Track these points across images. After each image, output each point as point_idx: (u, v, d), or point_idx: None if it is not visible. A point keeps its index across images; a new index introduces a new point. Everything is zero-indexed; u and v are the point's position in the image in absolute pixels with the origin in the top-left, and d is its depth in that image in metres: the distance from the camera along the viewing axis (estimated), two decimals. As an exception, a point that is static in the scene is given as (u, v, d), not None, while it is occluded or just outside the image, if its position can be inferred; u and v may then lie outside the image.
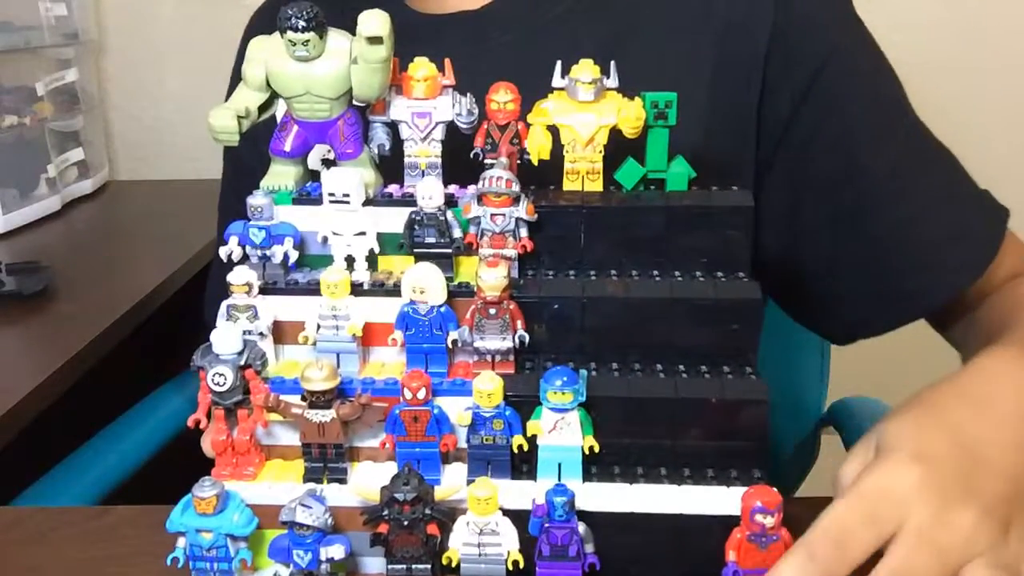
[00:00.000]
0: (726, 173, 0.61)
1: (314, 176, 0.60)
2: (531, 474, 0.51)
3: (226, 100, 0.57)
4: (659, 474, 0.51)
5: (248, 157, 0.72)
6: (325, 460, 0.52)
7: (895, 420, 0.53)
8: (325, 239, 0.56)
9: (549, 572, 0.50)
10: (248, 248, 0.56)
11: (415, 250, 0.55)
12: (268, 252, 0.55)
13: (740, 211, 0.55)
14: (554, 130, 0.57)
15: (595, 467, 0.51)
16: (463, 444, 0.52)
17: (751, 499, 0.48)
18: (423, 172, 0.59)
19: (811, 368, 1.11)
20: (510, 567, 0.50)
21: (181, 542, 0.51)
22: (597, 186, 0.58)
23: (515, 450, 0.51)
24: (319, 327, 0.54)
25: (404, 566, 0.50)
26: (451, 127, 0.58)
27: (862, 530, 0.47)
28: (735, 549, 0.48)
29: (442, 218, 0.55)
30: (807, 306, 0.83)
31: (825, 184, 0.75)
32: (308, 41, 0.53)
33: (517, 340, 0.53)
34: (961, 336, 0.78)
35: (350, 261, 0.56)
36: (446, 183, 0.58)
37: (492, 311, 0.52)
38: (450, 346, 0.53)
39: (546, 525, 0.49)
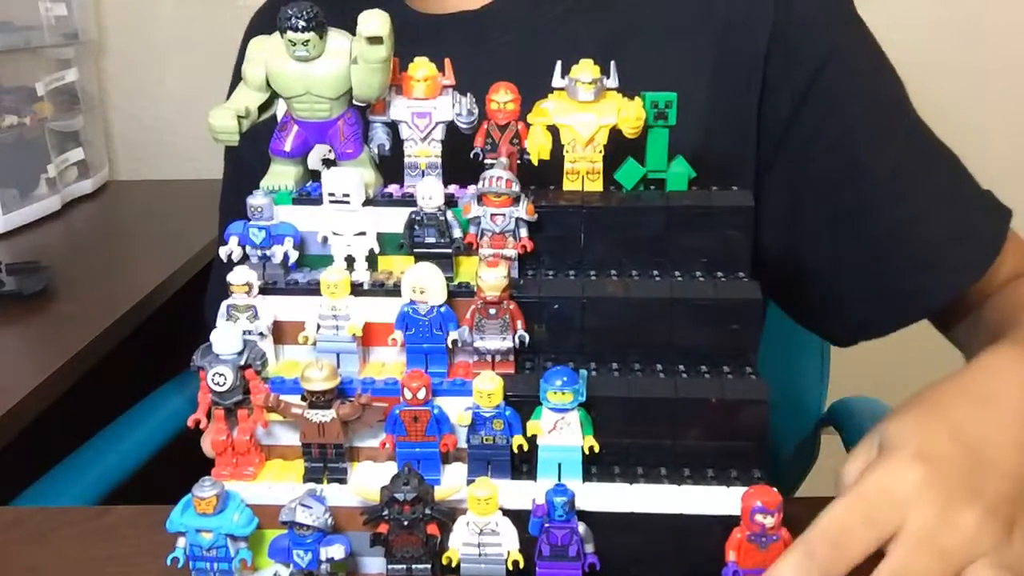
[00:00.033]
0: (726, 173, 0.61)
1: (314, 176, 0.60)
2: (531, 474, 0.51)
3: (227, 100, 0.57)
4: (659, 474, 0.51)
5: (249, 157, 0.72)
6: (325, 460, 0.52)
7: (898, 419, 0.53)
8: (325, 239, 0.56)
9: (549, 572, 0.50)
10: (248, 248, 0.56)
11: (415, 250, 0.55)
12: (268, 252, 0.55)
13: (740, 211, 0.55)
14: (554, 130, 0.57)
15: (595, 467, 0.51)
16: (463, 444, 0.52)
17: (751, 499, 0.48)
18: (423, 172, 0.59)
19: (811, 368, 1.11)
20: (510, 567, 0.50)
21: (181, 542, 0.51)
22: (597, 186, 0.58)
23: (515, 450, 0.51)
24: (319, 327, 0.54)
25: (404, 566, 0.50)
26: (451, 127, 0.58)
27: (861, 530, 0.47)
28: (735, 549, 0.48)
29: (442, 218, 0.55)
30: (808, 307, 0.83)
31: (826, 184, 0.75)
32: (308, 41, 0.53)
33: (517, 340, 0.53)
34: (964, 336, 0.78)
35: (350, 261, 0.56)
36: (446, 183, 0.58)
37: (492, 311, 0.52)
38: (450, 346, 0.53)
39: (546, 525, 0.49)
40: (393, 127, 0.59)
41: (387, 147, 0.59)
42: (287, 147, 0.57)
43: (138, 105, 1.74)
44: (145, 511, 0.65)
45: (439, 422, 0.51)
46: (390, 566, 0.51)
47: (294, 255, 0.56)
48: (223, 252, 0.56)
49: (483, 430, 0.51)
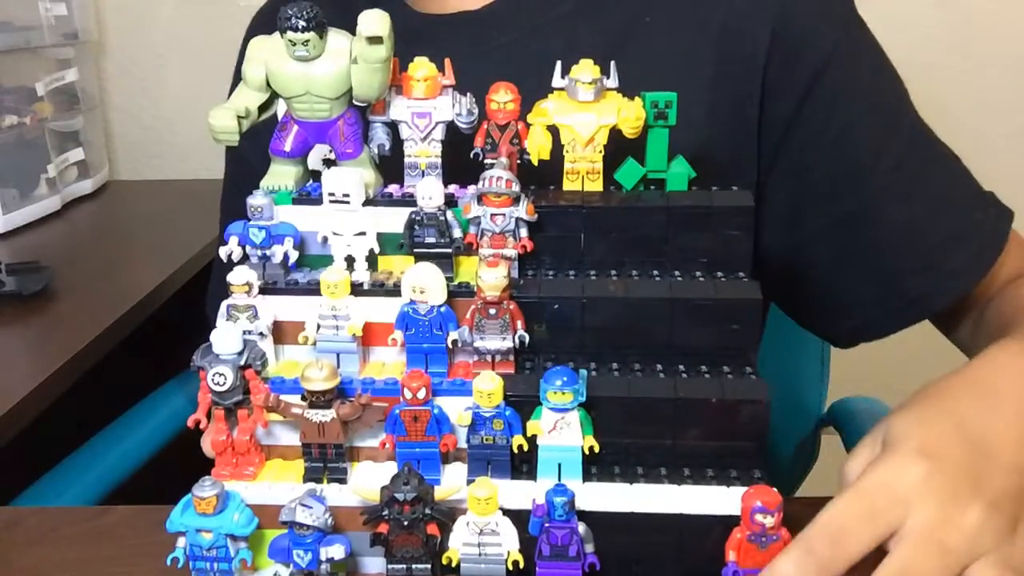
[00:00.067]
0: (727, 174, 0.61)
1: (314, 176, 0.60)
2: (531, 474, 0.51)
3: (227, 100, 0.57)
4: (659, 474, 0.51)
5: (250, 156, 0.72)
6: (325, 460, 0.52)
7: (902, 414, 0.53)
8: (325, 239, 0.56)
9: (549, 572, 0.50)
10: (248, 248, 0.56)
11: (415, 250, 0.55)
12: (268, 252, 0.55)
13: (740, 211, 0.55)
14: (554, 130, 0.57)
15: (595, 467, 0.51)
16: (463, 444, 0.52)
17: (751, 499, 0.48)
18: (423, 172, 0.59)
19: (811, 368, 1.11)
20: (510, 567, 0.50)
21: (181, 542, 0.51)
22: (597, 186, 0.58)
23: (515, 450, 0.51)
24: (319, 327, 0.54)
25: (404, 566, 0.50)
26: (451, 127, 0.58)
27: (861, 527, 0.46)
28: (735, 549, 0.48)
29: (442, 218, 0.55)
30: (809, 308, 0.83)
31: (827, 185, 0.75)
32: (308, 41, 0.53)
33: (517, 340, 0.53)
34: (966, 337, 0.78)
35: (350, 261, 0.56)
36: (446, 183, 0.58)
37: (492, 311, 0.52)
38: (450, 346, 0.53)
39: (546, 525, 0.49)
40: (393, 127, 0.59)
41: (387, 147, 0.59)
42: (287, 147, 0.57)
43: (138, 105, 1.74)
44: (145, 511, 0.65)
45: (439, 422, 0.51)
46: (390, 566, 0.51)
47: (294, 255, 0.56)
48: (223, 252, 0.56)
49: (483, 430, 0.51)
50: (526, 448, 0.51)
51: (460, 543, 0.50)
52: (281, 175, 0.58)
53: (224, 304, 0.54)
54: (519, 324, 0.53)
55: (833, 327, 0.83)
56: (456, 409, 0.51)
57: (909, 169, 0.75)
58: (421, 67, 0.57)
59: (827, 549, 0.46)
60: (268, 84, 0.56)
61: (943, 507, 0.47)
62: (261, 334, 0.54)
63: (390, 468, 0.52)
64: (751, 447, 0.51)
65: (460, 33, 0.78)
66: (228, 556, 0.51)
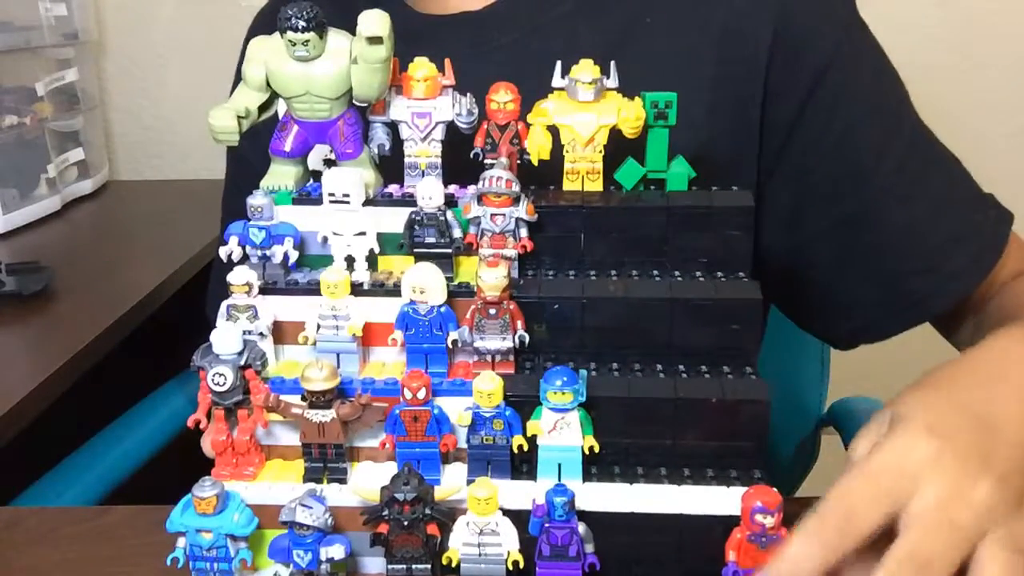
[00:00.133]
0: (727, 174, 0.61)
1: (314, 176, 0.60)
2: (531, 474, 0.51)
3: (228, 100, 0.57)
4: (659, 474, 0.51)
5: (251, 156, 0.72)
6: (325, 460, 0.52)
7: (908, 395, 0.52)
8: (325, 239, 0.56)
9: (549, 572, 0.50)
10: (248, 248, 0.56)
11: (415, 250, 0.55)
12: (268, 252, 0.55)
13: (740, 211, 0.55)
14: (554, 130, 0.57)
15: (595, 467, 0.51)
16: (463, 444, 0.52)
17: (751, 499, 0.47)
18: (423, 172, 0.59)
19: (811, 368, 1.11)
20: (510, 567, 0.50)
21: (181, 542, 0.51)
22: (597, 186, 0.58)
23: (515, 450, 0.51)
24: (319, 327, 0.54)
25: (404, 566, 0.50)
26: (451, 127, 0.58)
27: (871, 504, 0.46)
28: (735, 549, 0.48)
29: (442, 218, 0.55)
30: (809, 310, 0.83)
31: (828, 187, 0.75)
32: (308, 41, 0.53)
33: (517, 340, 0.53)
34: (968, 339, 0.78)
35: (350, 261, 0.56)
36: (446, 183, 0.58)
37: (492, 311, 0.52)
38: (450, 346, 0.53)
39: (546, 525, 0.49)
40: (393, 127, 0.59)
41: (387, 147, 0.59)
42: (287, 147, 0.57)
43: (138, 105, 1.74)
44: (145, 511, 0.65)
45: (439, 422, 0.51)
46: (390, 566, 0.51)
47: (294, 255, 0.56)
48: (223, 252, 0.56)
49: (483, 430, 0.51)
50: (526, 448, 0.51)
51: (460, 543, 0.50)
52: (281, 175, 0.58)
53: (224, 304, 0.54)
54: (519, 324, 0.53)
55: (833, 328, 0.83)
56: (456, 409, 0.51)
57: (910, 171, 0.75)
58: (421, 67, 0.57)
59: (838, 526, 0.46)
60: (268, 84, 0.56)
61: (952, 483, 0.46)
62: (261, 334, 0.54)
63: (390, 468, 0.52)
64: (751, 447, 0.51)
65: (461, 33, 0.78)
66: (228, 556, 0.51)
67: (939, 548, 0.45)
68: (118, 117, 1.74)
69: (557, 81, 0.57)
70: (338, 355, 0.54)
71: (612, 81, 0.57)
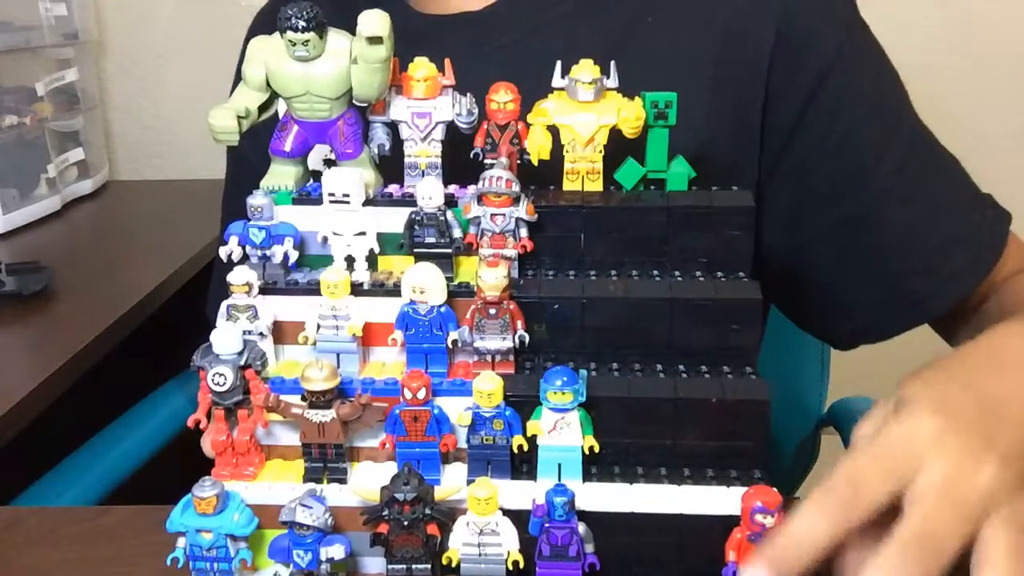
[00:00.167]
0: (728, 175, 0.61)
1: (314, 176, 0.60)
2: (531, 474, 0.51)
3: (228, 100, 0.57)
4: (659, 474, 0.51)
5: (251, 156, 0.72)
6: (325, 460, 0.52)
7: (912, 379, 0.52)
8: (325, 239, 0.56)
9: (549, 572, 0.50)
10: (248, 248, 0.56)
11: (415, 250, 0.55)
12: (268, 252, 0.55)
13: (740, 211, 0.55)
14: (554, 130, 0.57)
15: (595, 467, 0.51)
16: (463, 444, 0.52)
17: (751, 499, 0.47)
18: (423, 172, 0.59)
19: (811, 368, 1.11)
20: (510, 567, 0.50)
21: (181, 542, 0.51)
22: (597, 186, 0.58)
23: (515, 450, 0.51)
24: (319, 327, 0.54)
25: (404, 566, 0.50)
26: (451, 127, 0.58)
27: (878, 479, 0.46)
28: (735, 549, 0.48)
29: (442, 218, 0.55)
30: (810, 310, 0.83)
31: (829, 189, 0.75)
32: (308, 41, 0.53)
33: (517, 340, 0.53)
34: (967, 338, 0.78)
35: (350, 261, 0.56)
36: (446, 183, 0.58)
37: (492, 311, 0.52)
38: (450, 346, 0.53)
39: (546, 525, 0.49)
40: (393, 127, 0.59)
41: (387, 147, 0.59)
42: (287, 147, 0.57)
43: (138, 105, 1.74)
44: (145, 511, 0.65)
45: (439, 422, 0.51)
46: (390, 566, 0.51)
47: (294, 255, 0.56)
48: (223, 252, 0.56)
49: (483, 430, 0.51)
50: (526, 448, 0.51)
51: (460, 543, 0.50)
52: (281, 175, 0.58)
53: (224, 304, 0.54)
54: (519, 324, 0.53)
55: (833, 329, 0.83)
56: (456, 409, 0.51)
57: (910, 172, 0.75)
58: (421, 67, 0.57)
59: (843, 501, 0.45)
60: (268, 84, 0.56)
61: (958, 462, 0.46)
62: (261, 334, 0.54)
63: (390, 468, 0.52)
64: (751, 447, 0.51)
65: (461, 33, 0.78)
66: (228, 556, 0.50)
67: (946, 524, 0.45)
68: (118, 117, 1.74)
69: (557, 81, 0.57)
70: (338, 355, 0.54)
71: (612, 81, 0.57)
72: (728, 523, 0.49)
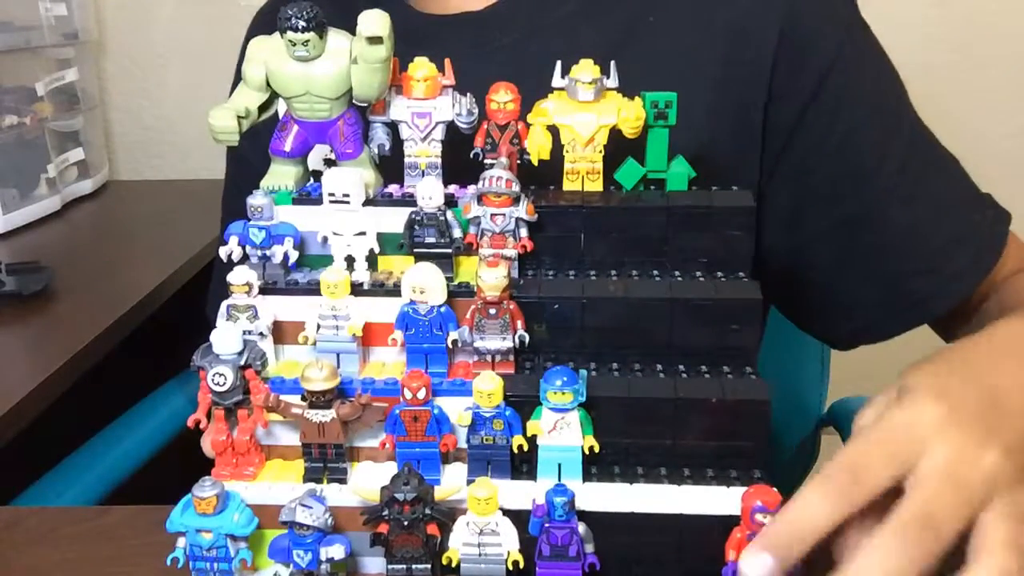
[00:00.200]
0: (728, 175, 0.61)
1: (314, 176, 0.60)
2: (531, 474, 0.51)
3: (228, 100, 0.57)
4: (659, 474, 0.51)
5: (251, 156, 0.72)
6: (325, 460, 0.52)
7: (915, 369, 0.52)
8: (325, 239, 0.56)
9: (549, 572, 0.50)
10: (248, 248, 0.56)
11: (415, 250, 0.55)
12: (268, 252, 0.55)
13: (740, 211, 0.55)
14: (554, 130, 0.57)
15: (595, 467, 0.51)
16: (463, 444, 0.52)
17: (751, 499, 0.47)
18: (423, 172, 0.59)
19: (811, 368, 1.11)
20: (510, 567, 0.50)
21: (181, 542, 0.51)
22: (597, 186, 0.58)
23: (515, 450, 0.51)
24: (319, 327, 0.54)
25: (404, 566, 0.50)
26: (451, 127, 0.58)
27: (880, 463, 0.46)
28: (735, 549, 0.48)
29: (442, 218, 0.55)
30: (810, 310, 0.82)
31: (830, 189, 0.75)
32: (308, 41, 0.53)
33: (517, 340, 0.53)
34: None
35: (350, 261, 0.56)
36: (446, 183, 0.58)
37: (492, 311, 0.52)
38: (450, 346, 0.53)
39: (546, 525, 0.49)
40: (393, 127, 0.59)
41: (387, 147, 0.59)
42: (287, 147, 0.57)
43: (138, 105, 1.74)
44: (145, 511, 0.65)
45: (439, 422, 0.51)
46: (390, 566, 0.51)
47: (294, 255, 0.56)
48: (223, 252, 0.56)
49: (483, 430, 0.51)
50: (526, 448, 0.51)
51: (460, 543, 0.50)
52: (281, 175, 0.58)
53: (224, 304, 0.54)
54: (519, 324, 0.53)
55: (833, 329, 0.83)
56: (456, 409, 0.51)
57: (912, 172, 0.75)
58: (421, 67, 0.57)
59: (847, 482, 0.45)
60: (268, 84, 0.56)
61: (960, 447, 0.47)
62: (261, 334, 0.54)
63: (390, 468, 0.52)
64: (751, 447, 0.51)
65: (462, 34, 0.78)
66: (228, 556, 0.51)
67: (946, 507, 0.45)
68: (118, 117, 1.74)
69: (557, 81, 0.57)
70: (338, 355, 0.54)
71: (612, 81, 0.57)
72: (728, 523, 0.49)
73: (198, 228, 1.30)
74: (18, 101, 1.41)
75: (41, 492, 0.90)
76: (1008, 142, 1.62)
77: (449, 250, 0.55)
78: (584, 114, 0.57)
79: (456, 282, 0.55)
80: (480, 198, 0.55)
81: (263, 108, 0.57)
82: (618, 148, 0.57)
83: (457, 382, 0.53)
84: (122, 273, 1.23)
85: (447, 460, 0.53)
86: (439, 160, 0.59)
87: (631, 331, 0.54)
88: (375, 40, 0.53)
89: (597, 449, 0.50)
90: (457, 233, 0.55)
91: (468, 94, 0.58)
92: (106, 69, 1.71)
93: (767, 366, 0.54)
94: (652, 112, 0.57)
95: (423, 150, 0.59)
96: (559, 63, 0.57)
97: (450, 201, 0.56)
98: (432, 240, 0.55)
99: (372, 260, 0.57)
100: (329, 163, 0.61)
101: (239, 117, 0.55)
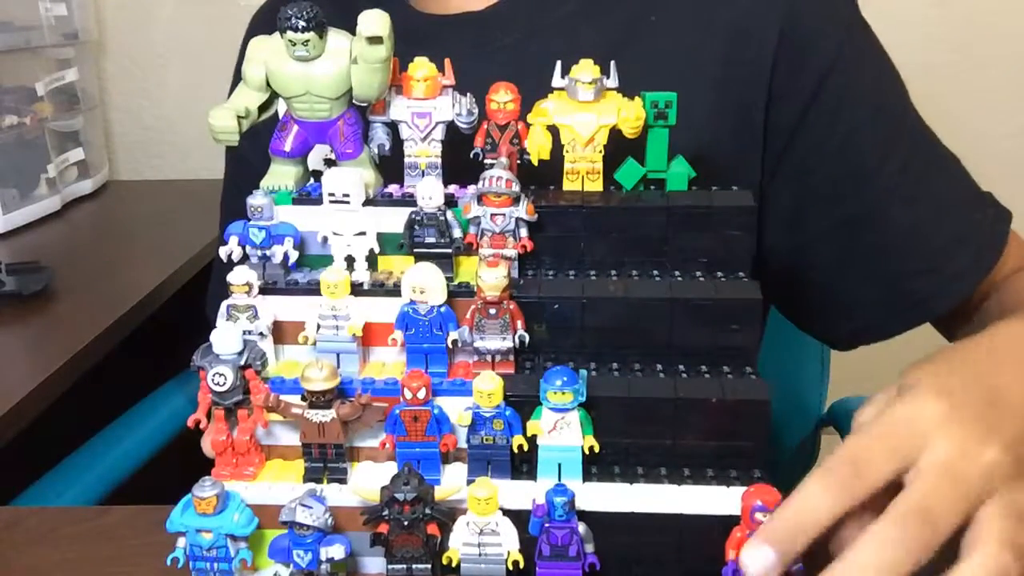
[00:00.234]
0: (729, 175, 0.61)
1: (314, 176, 0.60)
2: (531, 474, 0.51)
3: (227, 100, 0.57)
4: (659, 474, 0.51)
5: (251, 156, 0.72)
6: (325, 460, 0.52)
7: (915, 368, 0.53)
8: (325, 239, 0.56)
9: (549, 572, 0.50)
10: (248, 248, 0.56)
11: (415, 250, 0.55)
12: (268, 252, 0.55)
13: (740, 211, 0.55)
14: (554, 130, 0.57)
15: (595, 467, 0.51)
16: (463, 444, 0.52)
17: (751, 498, 0.47)
18: (423, 172, 0.59)
19: (811, 368, 1.11)
20: (510, 567, 0.50)
21: (181, 542, 0.51)
22: (597, 186, 0.58)
23: (515, 450, 0.51)
24: (319, 327, 0.54)
25: (404, 566, 0.50)
26: (451, 127, 0.58)
27: (881, 456, 0.46)
28: (735, 549, 0.48)
29: (442, 218, 0.55)
30: (810, 310, 0.82)
31: (830, 189, 0.75)
32: (308, 41, 0.53)
33: (517, 340, 0.53)
34: (967, 336, 0.78)
35: (350, 261, 0.56)
36: (446, 183, 0.58)
37: (492, 311, 0.52)
38: (450, 346, 0.53)
39: (546, 525, 0.49)
40: (393, 127, 0.59)
41: (387, 147, 0.59)
42: (287, 147, 0.57)
43: (138, 105, 1.74)
44: (145, 511, 0.65)
45: (439, 422, 0.51)
46: (390, 566, 0.51)
47: (294, 255, 0.56)
48: (223, 252, 0.56)
49: (483, 430, 0.51)
50: (526, 448, 0.51)
51: (460, 543, 0.50)
52: (281, 175, 0.58)
53: (224, 304, 0.54)
54: (519, 324, 0.53)
55: (833, 329, 0.83)
56: (456, 409, 0.51)
57: (913, 171, 0.75)
58: (421, 67, 0.57)
59: (849, 475, 0.46)
60: (268, 84, 0.56)
61: (961, 442, 0.47)
62: (261, 334, 0.54)
63: (390, 468, 0.52)
64: (751, 447, 0.51)
65: (463, 34, 0.78)
66: (228, 556, 0.51)
67: (945, 500, 0.45)
68: (118, 117, 1.74)
69: (557, 81, 0.57)
70: (338, 355, 0.54)
71: (612, 81, 0.57)
72: (728, 523, 0.49)
73: (198, 228, 1.30)
74: (18, 101, 1.41)
75: (41, 492, 0.90)
76: (1008, 142, 1.62)
77: (449, 250, 0.55)
78: (584, 114, 0.57)
79: (456, 282, 0.55)
80: (480, 198, 0.55)
81: (263, 108, 0.57)
82: (618, 148, 0.57)
83: (457, 382, 0.53)
84: (122, 273, 1.23)
85: (447, 460, 0.53)
86: (439, 160, 0.59)
87: (631, 331, 0.54)
88: (375, 40, 0.53)
89: (597, 449, 0.50)
90: (457, 233, 0.55)
91: (468, 94, 0.58)
92: (106, 69, 1.71)
93: (767, 366, 0.54)
94: (652, 112, 0.57)
95: (423, 150, 0.59)
96: (559, 63, 0.57)
97: (450, 201, 0.56)
98: (432, 240, 0.55)
99: (372, 260, 0.57)
100: (329, 163, 0.61)
101: (239, 117, 0.55)
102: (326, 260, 0.57)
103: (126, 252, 1.36)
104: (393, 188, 0.58)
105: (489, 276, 0.52)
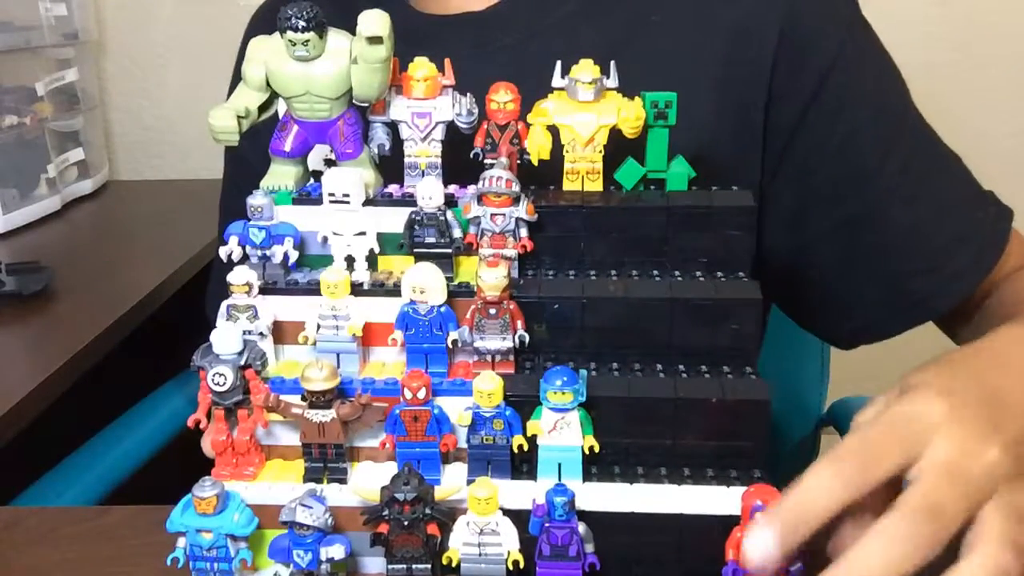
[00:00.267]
0: (730, 175, 0.61)
1: (314, 176, 0.60)
2: (531, 474, 0.51)
3: (227, 100, 0.57)
4: (659, 474, 0.51)
5: (251, 156, 0.72)
6: (325, 460, 0.52)
7: (918, 370, 0.53)
8: (325, 239, 0.56)
9: (549, 572, 0.50)
10: (248, 248, 0.56)
11: (415, 250, 0.55)
12: (268, 252, 0.55)
13: (741, 211, 0.55)
14: (554, 130, 0.57)
15: (595, 467, 0.51)
16: (463, 444, 0.52)
17: (751, 498, 0.47)
18: (423, 172, 0.59)
19: (811, 368, 1.11)
20: (510, 567, 0.50)
21: (181, 542, 0.51)
22: (597, 186, 0.58)
23: (515, 450, 0.51)
24: (319, 327, 0.54)
25: (404, 566, 0.50)
26: (451, 127, 0.58)
27: (887, 450, 0.46)
28: (735, 549, 0.48)
29: (442, 218, 0.55)
30: (812, 310, 0.83)
31: (832, 188, 0.75)
32: (308, 41, 0.53)
33: (517, 340, 0.53)
34: (969, 335, 0.78)
35: (350, 261, 0.56)
36: (446, 183, 0.58)
37: (492, 311, 0.52)
38: (450, 346, 0.53)
39: (546, 525, 0.49)
40: (393, 127, 0.59)
41: (387, 147, 0.59)
42: (287, 147, 0.57)
43: (138, 105, 1.74)
44: (145, 511, 0.65)
45: (439, 422, 0.51)
46: (390, 566, 0.51)
47: (294, 255, 0.56)
48: (223, 252, 0.56)
49: (483, 430, 0.51)
50: (526, 448, 0.51)
51: (460, 543, 0.50)
52: (281, 175, 0.58)
53: (224, 304, 0.54)
54: (519, 324, 0.53)
55: (834, 328, 0.83)
56: (456, 409, 0.51)
57: (914, 171, 0.75)
58: (421, 67, 0.57)
59: (855, 466, 0.45)
60: (268, 84, 0.56)
61: (963, 441, 0.47)
62: (261, 334, 0.54)
63: (390, 468, 0.52)
64: (751, 447, 0.51)
65: (463, 34, 0.78)
66: (228, 556, 0.51)
67: (950, 497, 0.45)
68: (118, 117, 1.74)
69: (557, 81, 0.57)
70: (338, 355, 0.54)
71: (612, 81, 0.57)
72: (728, 523, 0.49)
73: (198, 228, 1.30)
74: (18, 101, 1.41)
75: (41, 492, 0.90)
76: (1009, 141, 1.62)
77: (449, 250, 0.55)
78: (584, 114, 0.57)
79: (456, 282, 0.55)
80: (480, 198, 0.55)
81: (263, 108, 0.57)
82: (618, 148, 0.57)
83: (457, 382, 0.53)
84: (122, 273, 1.23)
85: (447, 460, 0.53)
86: (439, 160, 0.59)
87: (631, 331, 0.53)
88: (375, 40, 0.53)
89: (597, 449, 0.50)
90: (457, 233, 0.55)
91: (468, 94, 0.58)
92: (106, 69, 1.72)
93: (767, 366, 0.54)
94: (652, 112, 0.57)
95: (423, 150, 0.59)
96: (559, 63, 0.57)
97: (450, 201, 0.56)
98: (432, 240, 0.55)
99: (372, 260, 0.57)
100: (329, 163, 0.61)
101: (239, 117, 0.55)
102: (326, 260, 0.57)
103: (126, 252, 1.36)
104: (393, 188, 0.58)
105: (489, 276, 0.52)
